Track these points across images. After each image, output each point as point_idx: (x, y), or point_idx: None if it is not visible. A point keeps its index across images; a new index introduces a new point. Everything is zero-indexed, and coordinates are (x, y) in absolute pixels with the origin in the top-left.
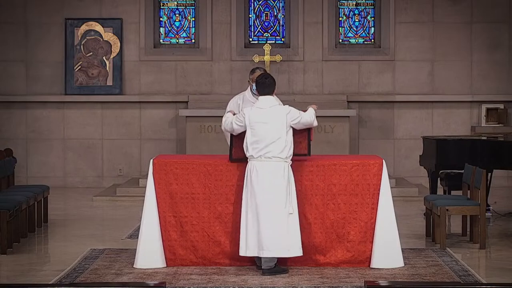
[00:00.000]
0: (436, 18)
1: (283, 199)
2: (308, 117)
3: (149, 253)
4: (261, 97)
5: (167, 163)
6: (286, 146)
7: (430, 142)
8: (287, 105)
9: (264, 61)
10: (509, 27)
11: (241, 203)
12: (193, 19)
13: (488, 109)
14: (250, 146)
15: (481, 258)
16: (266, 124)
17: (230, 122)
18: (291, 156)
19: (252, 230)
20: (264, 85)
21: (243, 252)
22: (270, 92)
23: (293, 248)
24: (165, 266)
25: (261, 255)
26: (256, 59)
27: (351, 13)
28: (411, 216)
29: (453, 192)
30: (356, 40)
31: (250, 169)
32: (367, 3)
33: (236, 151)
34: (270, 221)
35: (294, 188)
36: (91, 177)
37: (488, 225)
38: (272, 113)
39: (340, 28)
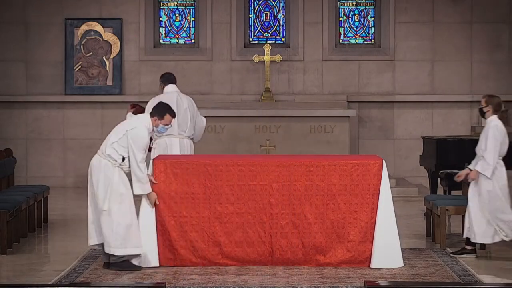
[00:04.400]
0: (436, 18)
1: (103, 196)
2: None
3: (149, 253)
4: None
5: (167, 163)
6: (112, 144)
7: (430, 142)
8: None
9: (264, 61)
10: (509, 27)
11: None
12: (193, 19)
13: None
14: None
15: (481, 258)
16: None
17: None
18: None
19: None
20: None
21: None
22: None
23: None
24: (165, 266)
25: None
26: (256, 59)
27: (351, 13)
28: (411, 216)
29: (453, 192)
30: (356, 40)
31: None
32: (367, 3)
33: None
34: (99, 216)
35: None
36: None
37: None
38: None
39: (340, 28)
